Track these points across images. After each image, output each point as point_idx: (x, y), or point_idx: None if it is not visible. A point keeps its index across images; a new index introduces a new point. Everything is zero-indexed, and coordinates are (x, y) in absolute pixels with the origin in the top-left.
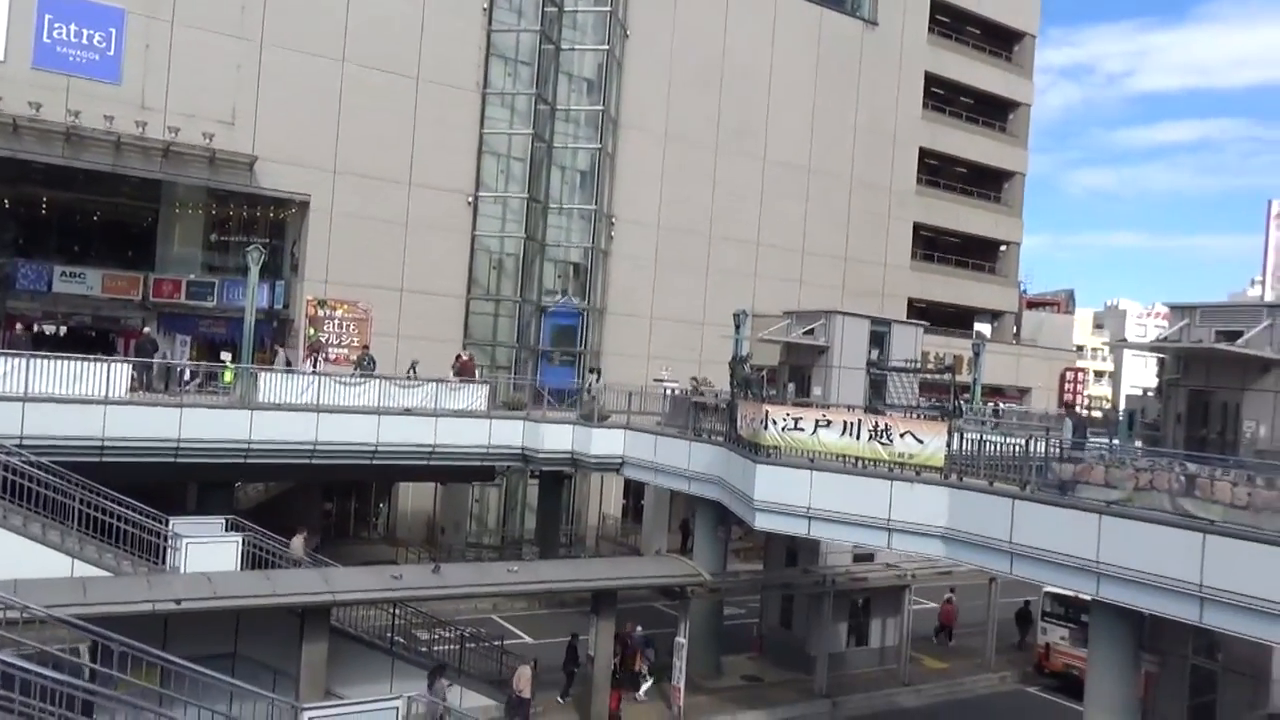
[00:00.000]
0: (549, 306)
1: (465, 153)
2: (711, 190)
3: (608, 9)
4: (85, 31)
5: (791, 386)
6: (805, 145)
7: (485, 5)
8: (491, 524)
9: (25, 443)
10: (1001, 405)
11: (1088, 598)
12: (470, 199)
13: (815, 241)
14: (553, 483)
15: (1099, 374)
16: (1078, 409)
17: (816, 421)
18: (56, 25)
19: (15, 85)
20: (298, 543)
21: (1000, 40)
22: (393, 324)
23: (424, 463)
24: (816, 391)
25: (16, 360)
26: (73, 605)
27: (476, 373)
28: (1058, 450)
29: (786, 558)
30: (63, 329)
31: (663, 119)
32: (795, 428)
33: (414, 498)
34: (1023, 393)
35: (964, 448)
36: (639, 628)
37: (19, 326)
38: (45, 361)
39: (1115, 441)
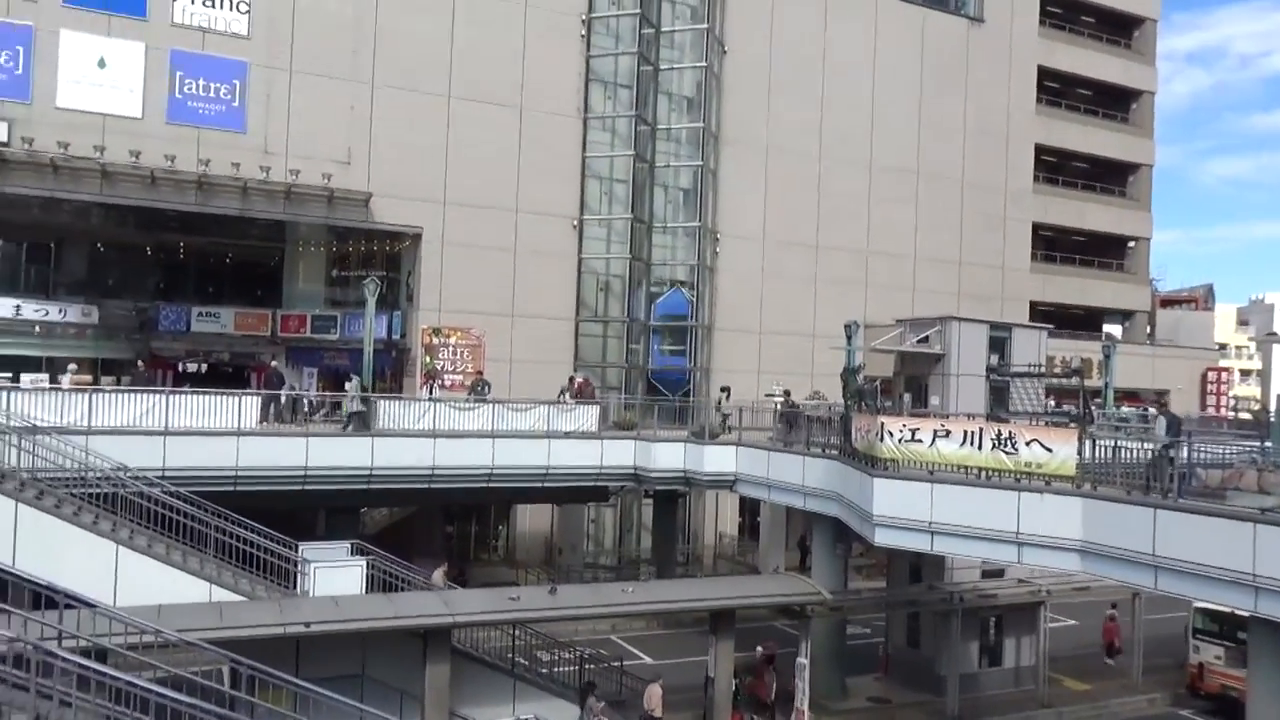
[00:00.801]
0: (659, 294)
1: (569, 177)
2: (817, 200)
3: (705, 26)
4: (212, 85)
5: (908, 397)
6: (912, 149)
7: (583, 32)
8: (608, 544)
9: (166, 474)
10: (1150, 409)
11: (1245, 613)
12: (575, 223)
13: (927, 247)
14: (667, 502)
15: (1245, 373)
16: (1169, 407)
17: (935, 432)
18: (186, 81)
19: (151, 140)
20: (438, 576)
21: (1118, 28)
22: (505, 349)
23: (538, 484)
24: (934, 401)
25: (157, 397)
26: (210, 629)
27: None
28: (1199, 455)
29: (910, 574)
30: (202, 366)
31: (764, 131)
32: (912, 439)
33: (531, 519)
34: (1160, 395)
35: (1097, 455)
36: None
37: (140, 364)
38: (182, 397)
39: (1268, 444)
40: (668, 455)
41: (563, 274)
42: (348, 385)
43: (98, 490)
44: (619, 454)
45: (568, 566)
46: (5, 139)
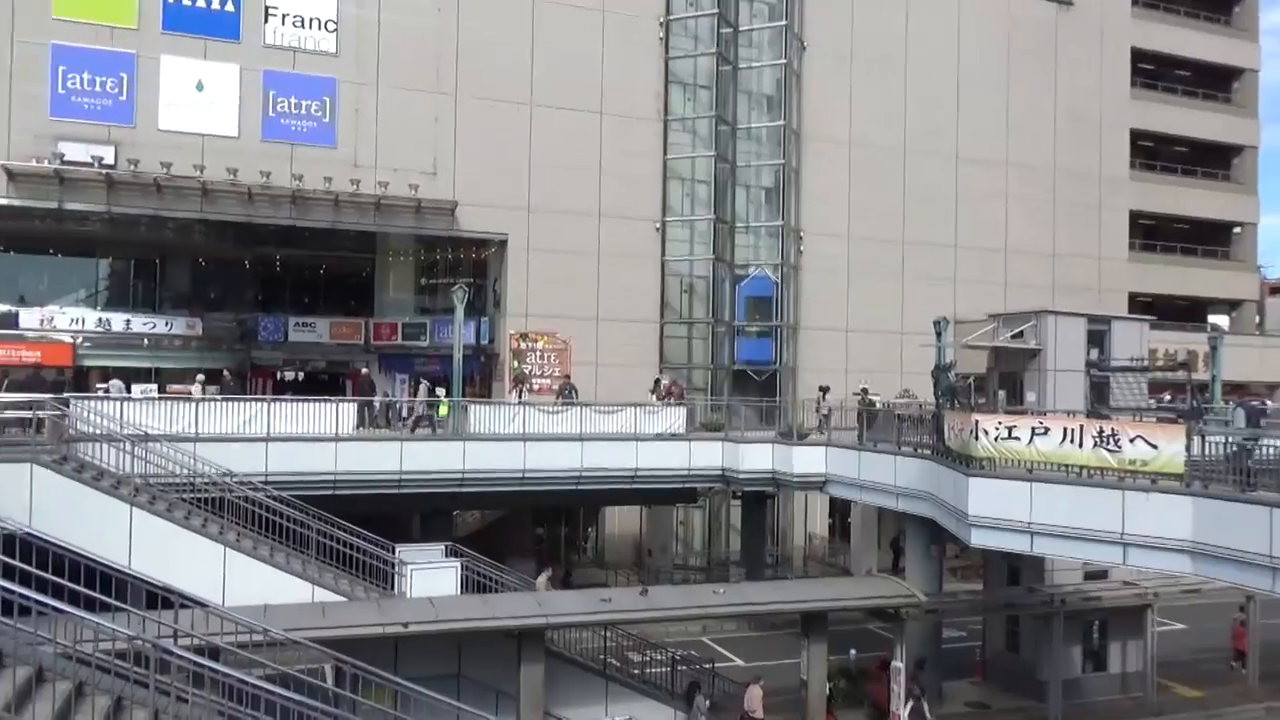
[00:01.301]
0: (743, 276)
1: (651, 180)
2: (902, 195)
3: (783, 23)
4: (304, 102)
5: (1002, 394)
6: (1000, 139)
7: (661, 35)
8: (697, 545)
9: (270, 479)
10: (1254, 402)
11: None
12: (658, 225)
13: (1018, 239)
14: (755, 503)
15: None
16: (1265, 399)
17: (1032, 429)
18: (279, 100)
19: (248, 157)
20: (542, 581)
21: (1216, 4)
22: (591, 352)
23: (627, 486)
24: (1030, 398)
25: (259, 405)
26: (314, 629)
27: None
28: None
29: (1008, 576)
30: (299, 374)
31: (846, 127)
32: (1009, 437)
33: (620, 521)
34: (1271, 389)
35: (1206, 451)
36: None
37: (226, 373)
38: (283, 405)
39: None
40: (756, 456)
41: (646, 276)
42: (419, 390)
43: (206, 495)
44: (707, 455)
45: (657, 568)
46: (112, 161)
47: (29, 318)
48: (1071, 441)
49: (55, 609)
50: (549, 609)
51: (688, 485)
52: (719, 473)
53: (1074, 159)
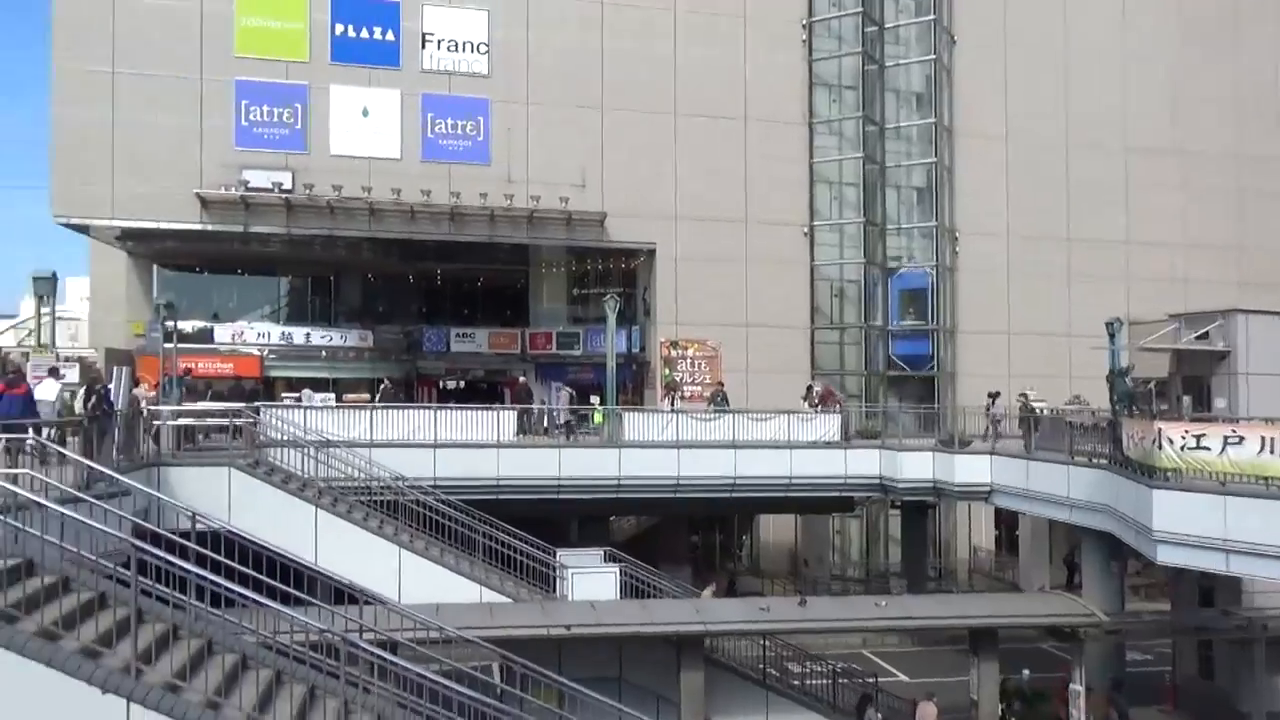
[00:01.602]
0: (895, 269)
1: (797, 185)
2: (1065, 189)
3: (932, 18)
4: (459, 123)
5: (1187, 400)
6: (1172, 127)
7: (804, 37)
8: (854, 556)
9: (438, 484)
10: None
11: None
12: (806, 230)
13: (1197, 233)
14: (915, 513)
15: None
16: None
17: (1225, 438)
18: (437, 122)
19: (409, 178)
20: (707, 593)
21: None
22: (741, 359)
23: (781, 495)
24: (1220, 404)
25: (427, 413)
26: (481, 628)
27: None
28: None
29: (1200, 597)
30: (460, 382)
31: (1001, 120)
32: (1197, 446)
33: (775, 529)
34: None
35: None
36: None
37: (386, 382)
38: (448, 412)
39: None
40: (915, 465)
41: (795, 282)
42: (560, 397)
43: (380, 498)
44: (863, 464)
45: (814, 578)
46: (290, 186)
47: (222, 333)
48: (1271, 452)
49: (255, 602)
50: (707, 616)
51: (844, 494)
52: (876, 481)
53: (1259, 143)
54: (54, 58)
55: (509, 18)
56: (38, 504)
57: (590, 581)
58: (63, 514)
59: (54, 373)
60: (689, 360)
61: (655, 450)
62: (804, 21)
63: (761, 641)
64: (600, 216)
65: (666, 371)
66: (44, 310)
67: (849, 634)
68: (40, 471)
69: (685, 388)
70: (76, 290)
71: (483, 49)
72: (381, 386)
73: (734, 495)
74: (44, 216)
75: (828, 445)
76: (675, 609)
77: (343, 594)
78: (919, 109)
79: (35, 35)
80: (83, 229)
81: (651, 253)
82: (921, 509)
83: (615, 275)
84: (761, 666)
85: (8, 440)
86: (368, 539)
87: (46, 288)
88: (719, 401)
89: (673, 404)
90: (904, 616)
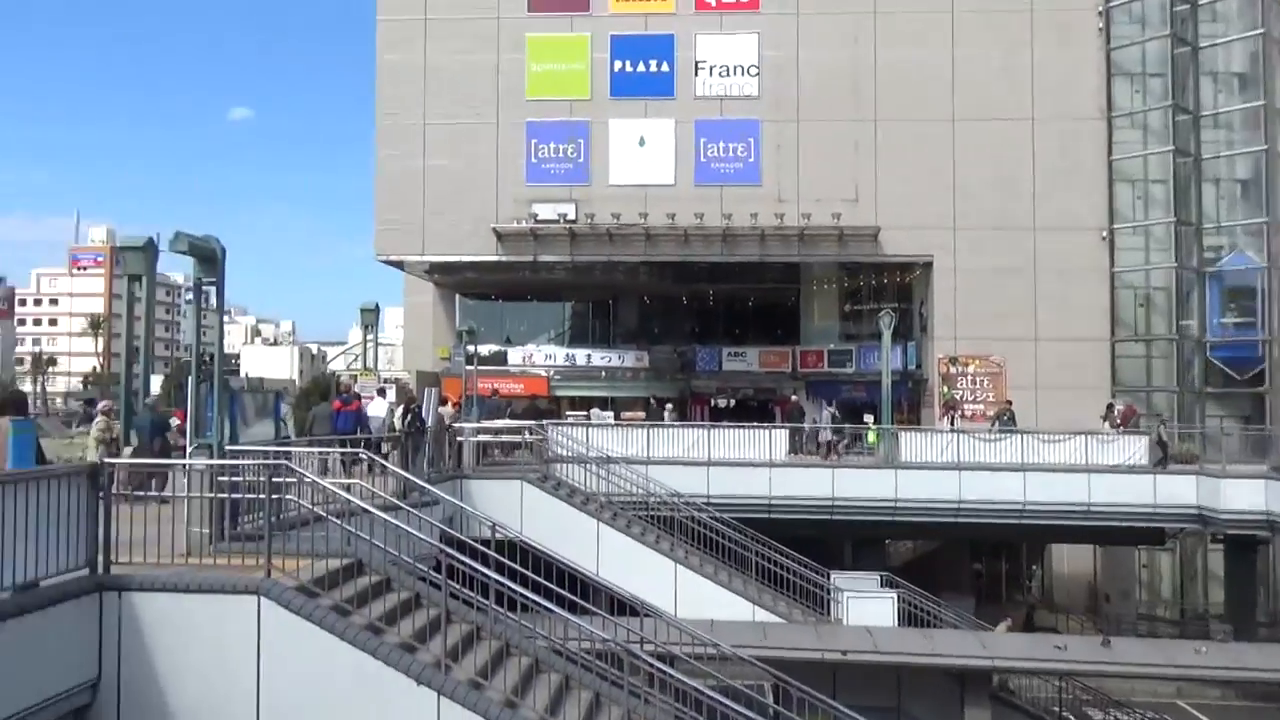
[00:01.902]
0: (1212, 269)
1: (1092, 186)
2: None
3: None
4: (730, 146)
5: None
6: None
7: (1100, 25)
8: (1165, 594)
9: (711, 501)
10: None
11: None
12: (1104, 234)
13: None
14: (1242, 549)
15: None
16: None
17: None
18: (709, 146)
19: (682, 202)
20: (1001, 629)
21: None
22: (1028, 375)
23: (1077, 523)
24: None
25: (701, 431)
26: (754, 647)
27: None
28: None
29: None
30: (730, 401)
31: None
32: None
33: (1070, 560)
34: None
35: None
36: None
37: (653, 400)
38: (721, 431)
39: None
40: (1243, 494)
41: (1091, 291)
42: (822, 416)
43: (656, 513)
44: (1176, 491)
45: (1116, 616)
46: (573, 217)
47: (514, 355)
48: None
49: (546, 609)
50: (995, 651)
51: (1153, 525)
52: (1193, 512)
53: None
54: (377, 118)
55: (778, 38)
56: (365, 510)
57: (867, 606)
58: (385, 520)
59: (381, 393)
60: (970, 377)
61: (934, 472)
62: (1100, 9)
63: (1056, 682)
64: (874, 230)
65: (945, 389)
66: (368, 338)
67: (1161, 681)
68: (367, 481)
69: (966, 406)
70: (393, 319)
71: (753, 71)
72: (666, 408)
73: (1023, 522)
74: (368, 256)
75: (1131, 470)
76: (959, 640)
77: (619, 604)
78: (1242, 92)
79: (356, 106)
80: (398, 265)
81: (928, 265)
82: (1250, 545)
83: (889, 290)
84: (1057, 709)
85: (340, 453)
86: (645, 553)
87: (370, 318)
88: (1005, 421)
89: (952, 423)
90: (1234, 667)
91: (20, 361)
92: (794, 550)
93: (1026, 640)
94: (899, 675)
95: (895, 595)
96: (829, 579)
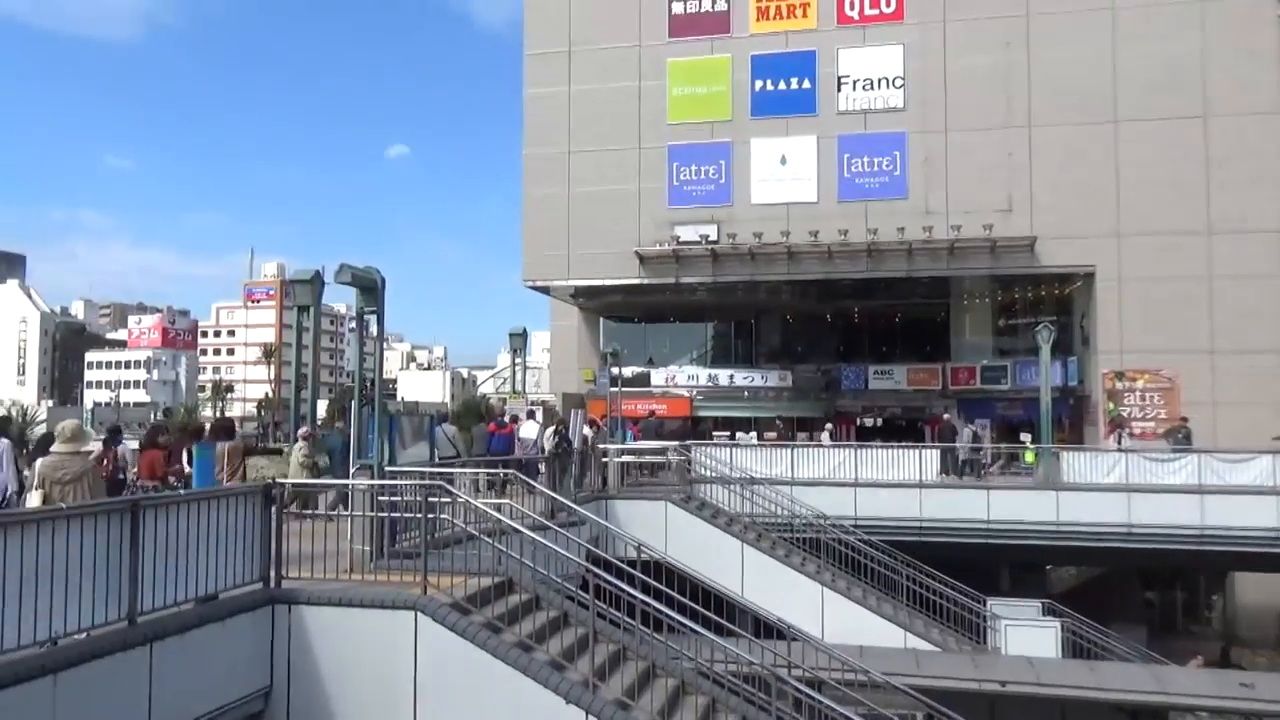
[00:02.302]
0: None
1: (1272, 185)
2: None
3: None
4: (875, 160)
5: None
6: None
7: (1279, 13)
8: None
9: (858, 523)
10: None
11: None
12: None
13: None
14: None
15: None
16: None
17: None
18: (853, 161)
19: (826, 219)
20: (1192, 666)
21: None
22: (1204, 390)
23: (1266, 549)
24: None
25: (847, 451)
26: (906, 675)
27: None
28: None
29: None
30: (877, 420)
31: None
32: None
33: (1256, 590)
34: None
35: None
36: None
37: (778, 421)
38: (868, 451)
39: None
40: None
41: (1274, 298)
42: (964, 434)
43: (801, 535)
44: None
45: None
46: (715, 237)
47: (657, 376)
48: None
49: (692, 630)
50: (1170, 686)
51: None
52: None
53: None
54: (524, 149)
55: (925, 48)
56: (515, 529)
57: (1027, 635)
58: (535, 539)
59: (532, 415)
60: (1138, 393)
61: (1100, 494)
62: None
63: None
64: (1029, 241)
65: (1111, 406)
66: (516, 361)
67: None
68: (517, 500)
69: (1134, 424)
70: (540, 343)
71: (898, 83)
72: (826, 429)
73: (1201, 548)
74: (516, 282)
75: None
76: (1129, 674)
77: (764, 627)
78: None
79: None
80: (544, 290)
81: (1090, 275)
82: None
83: (1047, 303)
84: None
85: (488, 474)
86: (791, 576)
87: (519, 342)
88: (1181, 439)
89: (1119, 442)
90: None
91: (202, 389)
92: (947, 575)
93: (1207, 676)
94: (1062, 710)
95: (1058, 624)
96: (985, 605)
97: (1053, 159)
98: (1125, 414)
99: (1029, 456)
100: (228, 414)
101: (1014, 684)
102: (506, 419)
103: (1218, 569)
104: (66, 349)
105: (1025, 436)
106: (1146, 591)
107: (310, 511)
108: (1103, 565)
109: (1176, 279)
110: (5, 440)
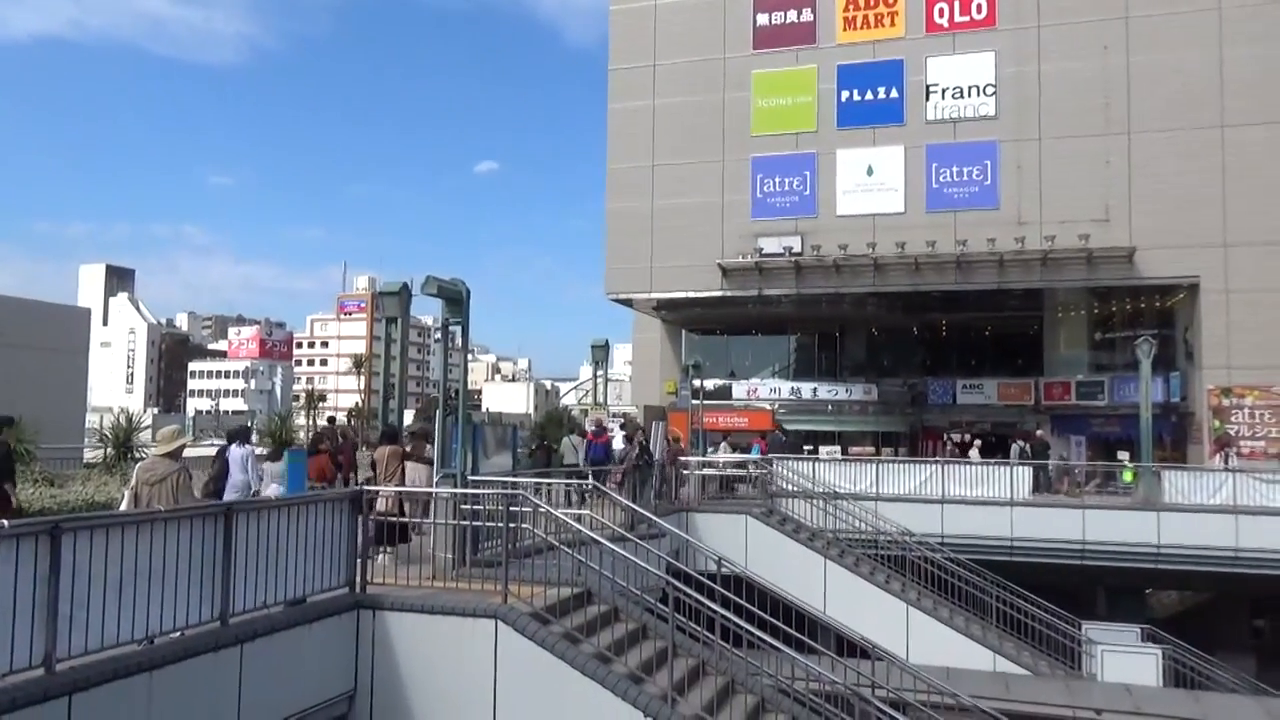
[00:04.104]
0: None
1: None
2: None
3: None
4: (965, 169)
5: None
6: None
7: None
8: None
9: (945, 541)
10: None
11: None
12: None
13: None
14: None
15: None
16: None
17: None
18: (941, 171)
19: (913, 230)
20: None
21: None
22: None
23: None
24: None
25: (934, 467)
26: (995, 699)
27: None
28: None
29: None
30: (966, 436)
31: None
32: None
33: None
34: None
35: None
36: None
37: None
38: (957, 467)
39: None
40: None
41: None
42: (1120, 454)
43: (886, 552)
44: None
45: None
46: (799, 249)
47: (739, 389)
48: None
49: (773, 646)
50: None
51: None
52: None
53: None
54: (608, 164)
55: (1018, 54)
56: (595, 541)
57: (1125, 661)
58: (615, 551)
59: (623, 427)
60: (1247, 410)
61: (1205, 515)
62: None
63: None
64: (1128, 251)
65: (1217, 423)
66: (598, 373)
67: None
68: (597, 511)
69: (1243, 443)
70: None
71: (989, 90)
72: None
73: None
74: (599, 295)
75: None
76: (1237, 706)
77: (847, 645)
78: None
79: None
80: (626, 302)
81: (1194, 287)
82: None
83: (1147, 315)
84: None
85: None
86: (875, 593)
87: (601, 354)
88: None
89: (1226, 461)
90: None
91: (296, 398)
92: (1039, 596)
93: None
94: None
95: (1159, 651)
96: (1080, 629)
97: (1153, 166)
98: (1232, 432)
99: (1127, 475)
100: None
101: (1110, 712)
102: (601, 429)
103: None
104: (171, 359)
105: (1123, 455)
106: (1255, 620)
107: (397, 517)
108: (1208, 590)
109: None
110: (248, 446)
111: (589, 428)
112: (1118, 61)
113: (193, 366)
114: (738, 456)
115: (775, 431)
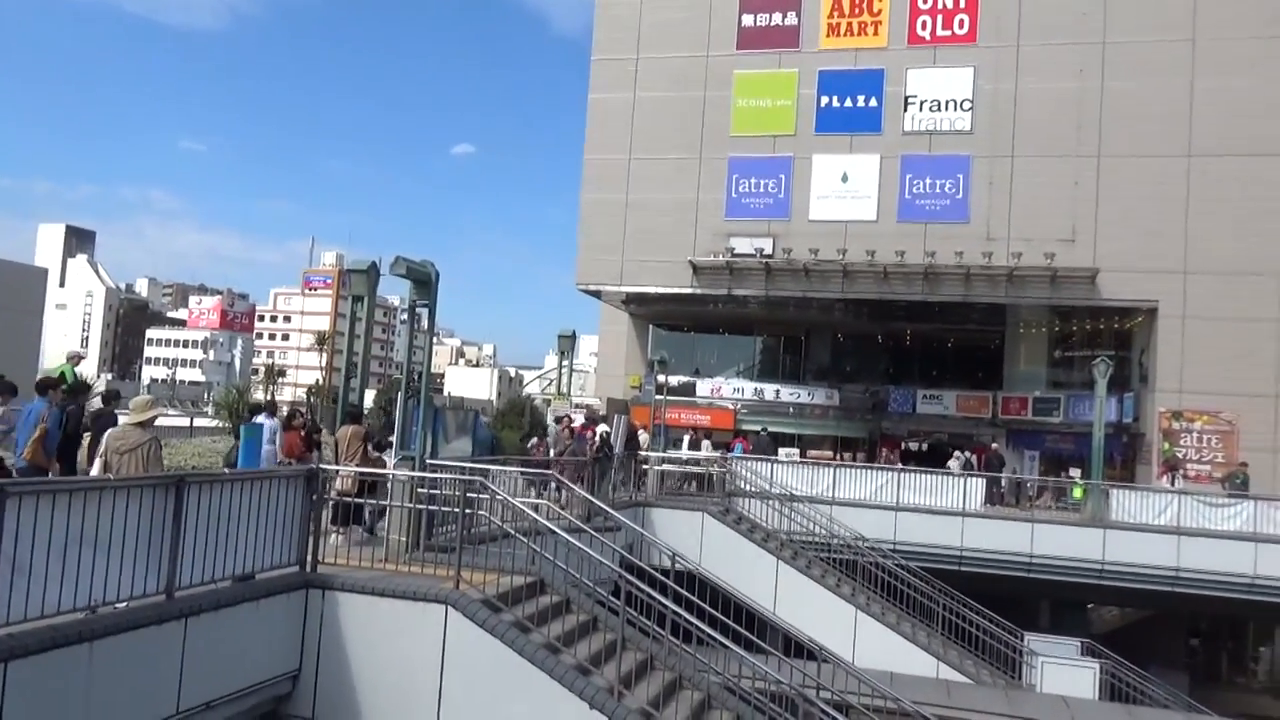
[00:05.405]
0: None
1: None
2: None
3: None
4: (938, 182)
5: None
6: None
7: None
8: None
9: (897, 548)
10: None
11: None
12: None
13: None
14: None
15: None
16: None
17: None
18: (914, 182)
19: (883, 239)
20: None
21: None
22: (1266, 436)
23: None
24: None
25: (889, 474)
26: (936, 705)
27: None
28: None
29: None
30: (923, 445)
31: None
32: None
33: None
34: None
35: None
36: None
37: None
38: (912, 476)
39: None
40: None
41: None
42: (1071, 471)
43: (838, 556)
44: None
45: None
46: (770, 251)
47: (702, 387)
48: None
49: (721, 644)
50: None
51: None
52: None
53: None
54: (586, 155)
55: (996, 71)
56: (551, 530)
57: (1064, 674)
58: (570, 542)
59: (586, 419)
60: (1195, 434)
61: (1149, 535)
62: None
63: None
64: (1091, 273)
65: (1166, 446)
66: (563, 363)
67: None
68: (554, 502)
69: (1190, 466)
70: (588, 346)
71: (966, 105)
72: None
73: (1251, 598)
74: (569, 285)
75: None
76: None
77: (794, 646)
78: None
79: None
80: (596, 294)
81: (1152, 311)
82: None
83: (1105, 336)
84: None
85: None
86: (825, 596)
87: (567, 345)
88: (1238, 484)
89: (1173, 483)
90: None
91: (255, 371)
92: (985, 606)
93: None
94: None
95: (1098, 665)
96: (1023, 640)
97: (1120, 190)
98: (1180, 455)
99: (1077, 492)
100: (278, 397)
101: None
102: (595, 419)
103: (1269, 619)
104: (128, 325)
105: (1075, 471)
106: (1191, 638)
107: (352, 498)
108: (1147, 608)
109: (1243, 320)
110: (275, 420)
111: (578, 420)
112: (1092, 85)
113: (151, 334)
114: (719, 455)
115: (760, 433)
